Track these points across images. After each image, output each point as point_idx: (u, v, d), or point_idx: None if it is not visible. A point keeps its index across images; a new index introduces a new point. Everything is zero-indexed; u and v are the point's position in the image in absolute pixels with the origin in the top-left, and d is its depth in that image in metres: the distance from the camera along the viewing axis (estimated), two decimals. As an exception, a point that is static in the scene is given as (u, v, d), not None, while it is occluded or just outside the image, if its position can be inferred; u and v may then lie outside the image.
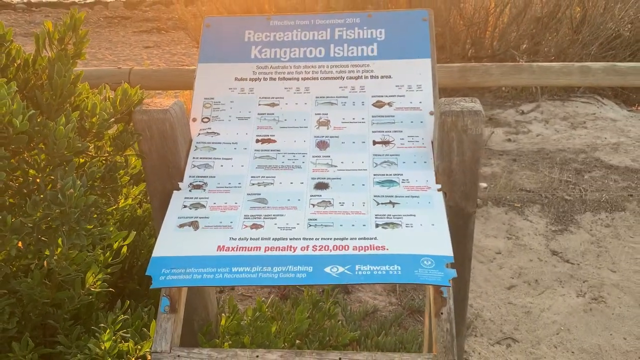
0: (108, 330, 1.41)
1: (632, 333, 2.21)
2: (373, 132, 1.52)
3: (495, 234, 2.81)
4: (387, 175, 1.43)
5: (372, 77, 1.62)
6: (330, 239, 1.30)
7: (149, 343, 1.46)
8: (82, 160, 1.40)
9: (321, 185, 1.42)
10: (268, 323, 1.69)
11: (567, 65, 2.66)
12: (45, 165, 1.24)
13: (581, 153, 3.58)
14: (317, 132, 1.53)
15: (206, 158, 1.49)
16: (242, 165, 1.47)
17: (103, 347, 1.37)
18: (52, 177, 1.28)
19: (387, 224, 1.32)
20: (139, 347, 1.43)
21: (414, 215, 1.34)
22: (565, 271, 2.56)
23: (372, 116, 1.55)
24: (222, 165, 1.47)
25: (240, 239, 1.31)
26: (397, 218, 1.33)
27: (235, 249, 1.28)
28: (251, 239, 1.31)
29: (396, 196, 1.38)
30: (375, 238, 1.29)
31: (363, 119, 1.55)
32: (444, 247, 1.26)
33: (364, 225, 1.32)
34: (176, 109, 1.42)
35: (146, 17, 13.95)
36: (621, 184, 3.21)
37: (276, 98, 1.59)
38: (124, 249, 1.67)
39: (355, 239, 1.29)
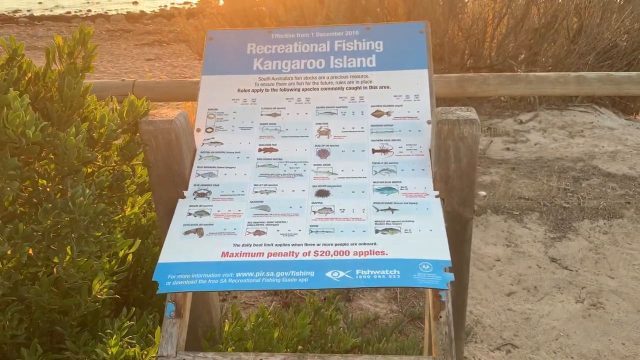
0: (115, 336, 1.44)
1: (630, 338, 2.24)
2: (372, 140, 1.56)
3: (495, 242, 2.85)
4: (386, 182, 1.47)
5: (371, 87, 1.66)
6: (331, 244, 1.33)
7: (154, 348, 1.49)
8: (89, 170, 1.44)
9: (322, 193, 1.46)
10: (271, 329, 1.73)
11: (563, 75, 2.71)
12: (55, 174, 1.28)
13: (579, 161, 3.62)
14: (318, 141, 1.57)
15: (210, 167, 1.53)
16: (245, 174, 1.51)
17: (110, 352, 1.40)
18: (61, 187, 1.32)
19: (386, 229, 1.36)
20: (145, 352, 1.47)
21: (413, 221, 1.38)
22: (564, 278, 2.59)
23: (371, 125, 1.59)
24: (225, 174, 1.51)
25: (243, 245, 1.34)
26: (396, 224, 1.37)
27: (239, 255, 1.32)
28: (254, 245, 1.35)
29: (395, 203, 1.42)
30: (375, 243, 1.33)
31: (362, 128, 1.59)
32: (442, 252, 1.30)
33: (364, 231, 1.36)
34: (181, 120, 1.46)
35: (147, 30, 14.09)
36: (619, 192, 3.24)
37: (278, 108, 1.64)
38: (129, 257, 1.70)
39: (355, 244, 1.33)
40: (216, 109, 1.64)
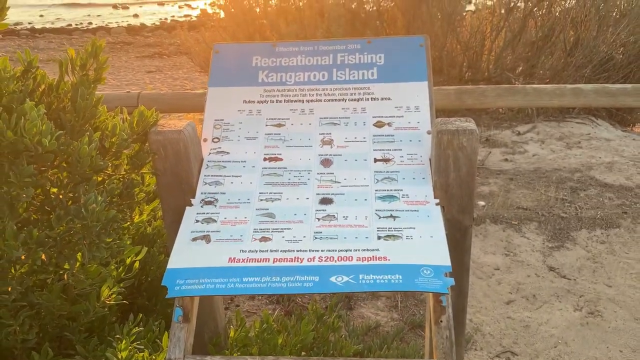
0: (124, 341, 1.48)
1: (628, 346, 2.27)
2: (374, 150, 1.61)
3: (494, 251, 2.88)
4: (387, 190, 1.52)
5: (372, 99, 1.71)
6: (335, 250, 1.37)
7: (163, 354, 1.53)
8: (100, 178, 1.48)
9: (326, 201, 1.51)
10: (275, 335, 1.76)
11: (560, 87, 2.76)
12: (67, 182, 1.32)
13: (576, 172, 3.66)
14: (322, 150, 1.62)
15: (217, 176, 1.57)
16: (251, 182, 1.56)
17: (120, 357, 1.44)
18: (73, 194, 1.36)
19: (388, 236, 1.40)
20: (153, 357, 1.50)
21: (414, 228, 1.42)
22: (562, 286, 2.63)
23: (373, 135, 1.64)
24: (232, 183, 1.56)
25: (250, 251, 1.38)
26: (398, 230, 1.41)
27: (245, 261, 1.36)
28: (260, 251, 1.39)
29: (397, 210, 1.47)
30: (378, 249, 1.37)
31: (364, 138, 1.64)
32: (442, 258, 1.34)
33: (366, 238, 1.40)
34: (189, 130, 1.51)
35: (148, 42, 14.20)
36: (616, 202, 3.29)
37: (282, 119, 1.68)
38: (136, 264, 1.74)
39: (358, 250, 1.37)
40: (222, 120, 1.69)
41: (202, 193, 1.54)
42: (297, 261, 1.36)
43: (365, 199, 1.50)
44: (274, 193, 1.53)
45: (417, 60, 1.76)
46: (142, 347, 1.56)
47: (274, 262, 1.36)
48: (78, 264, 1.45)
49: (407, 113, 1.68)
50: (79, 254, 1.38)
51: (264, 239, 1.42)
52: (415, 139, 1.63)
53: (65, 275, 1.50)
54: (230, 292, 1.30)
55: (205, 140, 1.65)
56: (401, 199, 1.49)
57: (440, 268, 1.32)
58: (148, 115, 1.45)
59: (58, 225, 1.24)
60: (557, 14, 4.99)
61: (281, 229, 1.44)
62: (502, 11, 4.99)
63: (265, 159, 1.61)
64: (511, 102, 2.76)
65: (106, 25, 17.43)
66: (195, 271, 1.35)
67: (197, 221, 1.48)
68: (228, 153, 1.62)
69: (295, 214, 1.48)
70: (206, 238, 1.43)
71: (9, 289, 1.30)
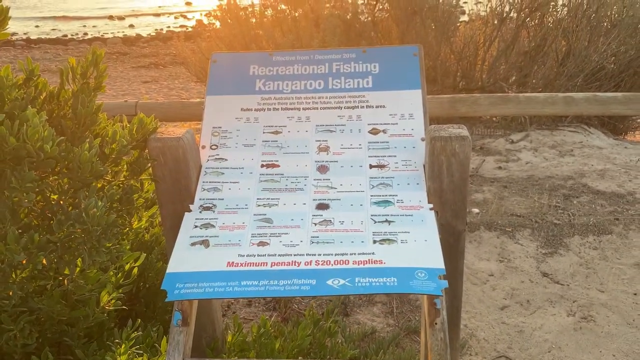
0: (124, 345, 1.50)
1: (620, 350, 2.30)
2: (369, 156, 1.64)
3: (488, 257, 2.91)
4: (383, 196, 1.55)
5: (367, 106, 1.75)
6: (332, 254, 1.40)
7: (162, 358, 1.55)
8: (99, 185, 1.50)
9: (322, 206, 1.54)
10: (272, 340, 1.78)
11: (552, 95, 2.81)
12: (67, 188, 1.35)
13: (569, 179, 3.71)
14: (318, 157, 1.65)
15: (215, 182, 1.60)
16: (249, 188, 1.58)
17: (119, 360, 1.46)
18: (72, 200, 1.39)
19: (383, 240, 1.43)
20: (151, 360, 1.52)
21: (408, 232, 1.45)
22: (555, 292, 2.66)
23: (368, 142, 1.67)
24: (230, 189, 1.58)
25: (248, 255, 1.41)
26: (393, 235, 1.44)
27: (243, 265, 1.39)
28: (258, 255, 1.41)
29: (392, 215, 1.50)
30: (373, 253, 1.40)
31: (360, 145, 1.67)
32: (436, 261, 1.37)
33: (362, 242, 1.43)
34: (188, 137, 1.54)
35: (144, 52, 14.23)
36: (608, 209, 3.33)
37: (279, 126, 1.72)
38: (135, 270, 1.76)
39: (354, 254, 1.40)
40: (220, 127, 1.72)
41: (200, 199, 1.57)
42: (295, 265, 1.38)
43: (361, 204, 1.53)
44: (272, 199, 1.56)
45: (411, 69, 1.79)
46: (141, 351, 1.58)
47: (271, 266, 1.38)
48: (78, 269, 1.47)
49: (401, 120, 1.71)
50: (79, 259, 1.40)
51: (261, 244, 1.44)
52: (409, 146, 1.66)
53: (65, 281, 1.52)
54: (229, 295, 1.33)
55: (203, 147, 1.68)
56: (396, 204, 1.52)
57: (434, 271, 1.34)
58: (147, 123, 1.48)
59: (59, 229, 1.27)
60: (550, 24, 5.06)
61: (279, 233, 1.47)
62: (495, 21, 5.06)
63: (262, 166, 1.64)
64: (504, 110, 2.81)
65: (102, 35, 17.48)
66: (195, 275, 1.37)
67: (196, 226, 1.50)
68: (226, 160, 1.65)
69: (292, 219, 1.50)
70: (205, 243, 1.46)
71: (10, 293, 1.32)
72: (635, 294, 2.61)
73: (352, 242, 1.43)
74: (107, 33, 18.14)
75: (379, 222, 1.48)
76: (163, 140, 1.50)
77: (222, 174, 1.62)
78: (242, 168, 1.64)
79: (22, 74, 1.39)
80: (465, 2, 5.65)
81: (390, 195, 1.55)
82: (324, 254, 1.40)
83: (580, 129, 4.60)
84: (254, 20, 5.29)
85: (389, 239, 1.43)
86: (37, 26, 19.89)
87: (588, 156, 4.06)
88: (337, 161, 1.64)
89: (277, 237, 1.46)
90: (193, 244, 1.46)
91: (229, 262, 1.40)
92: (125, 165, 1.50)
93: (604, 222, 3.17)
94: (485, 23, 5.22)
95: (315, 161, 1.65)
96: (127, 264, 1.73)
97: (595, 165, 3.89)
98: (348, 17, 5.23)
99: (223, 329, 1.92)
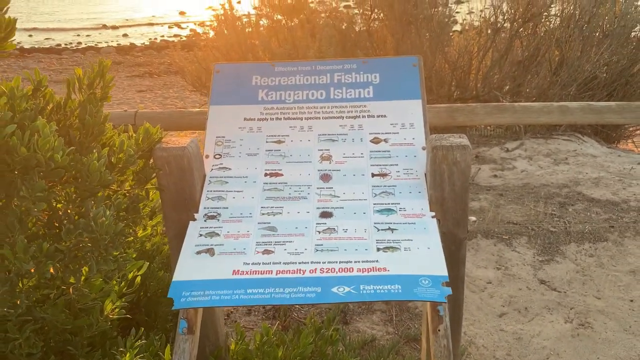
0: (128, 354, 1.51)
1: (618, 356, 2.32)
2: (371, 165, 1.67)
3: (486, 265, 2.94)
4: (385, 204, 1.57)
5: (368, 116, 1.77)
6: (336, 262, 1.42)
7: (165, 365, 1.55)
8: (106, 194, 1.52)
9: (326, 214, 1.56)
10: (275, 348, 1.79)
11: (547, 104, 2.85)
12: (75, 197, 1.36)
13: (564, 187, 3.75)
14: (321, 166, 1.67)
15: (219, 191, 1.62)
16: (253, 197, 1.60)
17: (124, 368, 1.46)
18: (79, 209, 1.40)
19: (387, 248, 1.45)
20: (156, 368, 1.53)
21: (411, 240, 1.47)
22: (553, 299, 2.68)
23: (370, 151, 1.70)
24: (234, 197, 1.60)
25: (253, 263, 1.43)
26: (396, 242, 1.46)
27: (249, 273, 1.40)
28: (263, 263, 1.43)
29: (394, 223, 1.52)
30: (377, 261, 1.42)
31: (362, 153, 1.69)
32: (440, 268, 1.39)
33: (366, 250, 1.45)
34: (193, 147, 1.56)
35: (138, 62, 14.23)
36: (603, 216, 3.37)
37: (282, 136, 1.74)
38: (138, 279, 1.77)
39: (358, 262, 1.42)
40: (224, 137, 1.74)
41: (205, 208, 1.58)
42: (299, 273, 1.40)
43: (364, 213, 1.55)
44: (275, 207, 1.58)
45: (410, 79, 1.82)
46: (145, 360, 1.59)
47: (276, 274, 1.40)
48: (83, 277, 1.48)
49: (402, 130, 1.74)
50: (85, 268, 1.41)
51: (266, 252, 1.46)
52: (410, 155, 1.68)
53: (71, 289, 1.53)
54: (235, 303, 1.34)
55: (207, 156, 1.70)
56: (398, 212, 1.55)
57: (438, 278, 1.36)
58: (153, 133, 1.50)
59: (68, 238, 1.28)
60: (542, 34, 5.12)
61: (283, 241, 1.49)
62: (489, 31, 5.12)
63: (266, 175, 1.66)
64: (500, 119, 2.85)
65: (96, 45, 17.46)
66: (201, 283, 1.38)
67: (201, 235, 1.52)
68: (230, 169, 1.67)
69: (296, 227, 1.52)
70: (210, 251, 1.47)
71: (18, 302, 1.33)
72: (631, 301, 2.64)
73: (356, 249, 1.45)
74: (101, 42, 18.13)
75: (382, 230, 1.50)
76: (168, 150, 1.52)
77: (226, 182, 1.64)
78: (246, 177, 1.65)
79: (30, 85, 1.40)
80: (457, 12, 5.72)
81: (393, 204, 1.57)
82: (329, 262, 1.42)
83: (574, 138, 4.65)
84: (249, 29, 5.32)
85: (392, 247, 1.45)
86: (30, 35, 19.86)
87: (582, 164, 4.11)
88: (339, 170, 1.67)
89: (281, 245, 1.48)
90: (198, 253, 1.47)
91: (234, 270, 1.41)
92: (130, 175, 1.52)
93: (599, 230, 3.20)
94: (479, 33, 5.28)
95: (318, 170, 1.67)
96: (130, 272, 1.74)
97: (590, 174, 3.93)
98: (343, 27, 5.28)
99: (225, 337, 1.93)
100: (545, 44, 5.01)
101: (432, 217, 1.54)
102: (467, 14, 5.96)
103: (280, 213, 1.56)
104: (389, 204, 1.57)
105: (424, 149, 1.70)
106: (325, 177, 1.65)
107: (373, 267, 1.40)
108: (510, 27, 5.08)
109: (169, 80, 11.68)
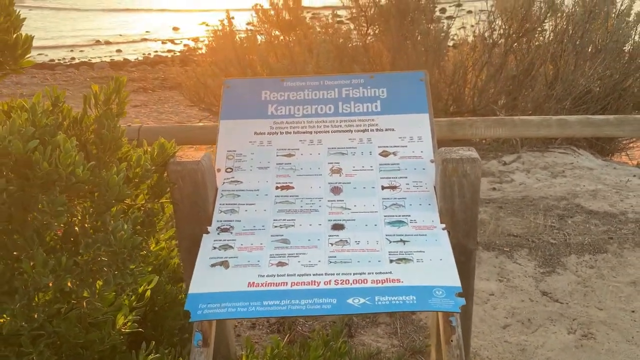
0: (142, 366, 1.51)
1: (622, 367, 2.34)
2: (381, 178, 1.69)
3: (488, 277, 2.96)
4: (396, 216, 1.59)
5: (377, 130, 1.80)
6: (350, 273, 1.44)
7: (178, 379, 1.56)
8: (120, 208, 1.53)
9: (337, 226, 1.58)
10: (285, 360, 1.80)
11: (546, 118, 2.90)
12: (93, 211, 1.37)
13: (562, 200, 3.79)
14: (331, 179, 1.70)
15: (232, 204, 1.64)
16: (265, 210, 1.62)
17: (139, 382, 1.47)
18: (97, 223, 1.41)
19: (400, 259, 1.47)
20: (170, 381, 1.53)
21: (423, 252, 1.49)
22: (555, 310, 2.70)
23: (380, 164, 1.73)
24: (246, 210, 1.62)
25: (268, 275, 1.44)
26: (409, 254, 1.49)
27: (264, 285, 1.42)
28: (278, 275, 1.44)
29: (406, 235, 1.54)
30: (391, 272, 1.44)
31: (371, 166, 1.72)
32: (453, 279, 1.41)
33: (379, 261, 1.47)
34: (206, 160, 1.58)
35: (132, 77, 14.24)
36: (602, 228, 3.40)
37: (292, 149, 1.76)
38: (148, 293, 1.78)
39: (372, 273, 1.44)
40: (235, 151, 1.76)
41: (218, 221, 1.60)
42: (314, 284, 1.41)
43: (375, 225, 1.58)
44: (288, 220, 1.60)
45: (417, 93, 1.86)
46: (157, 373, 1.59)
47: (291, 286, 1.41)
48: (98, 291, 1.49)
49: (410, 143, 1.77)
50: (99, 282, 1.42)
51: (280, 264, 1.48)
52: (419, 167, 1.71)
53: (84, 303, 1.54)
54: (252, 315, 1.36)
55: (218, 170, 1.72)
56: (409, 224, 1.57)
57: (452, 289, 1.39)
58: (168, 147, 1.52)
59: (86, 252, 1.29)
60: (536, 49, 5.20)
61: (296, 254, 1.50)
62: (484, 47, 5.19)
63: (277, 187, 1.68)
64: (500, 132, 2.89)
65: (89, 60, 17.46)
66: (217, 296, 1.40)
67: (215, 248, 1.53)
68: (241, 182, 1.69)
69: (309, 240, 1.54)
70: (225, 264, 1.49)
71: (35, 315, 1.34)
72: (633, 312, 2.67)
73: (369, 261, 1.47)
74: (95, 58, 18.12)
75: (394, 241, 1.53)
76: (183, 164, 1.54)
77: (238, 196, 1.66)
78: (258, 190, 1.67)
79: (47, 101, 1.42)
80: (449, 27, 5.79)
81: (404, 216, 1.59)
82: (343, 274, 1.44)
83: (570, 151, 4.71)
84: (246, 45, 5.37)
85: (405, 258, 1.47)
86: (24, 51, 19.80)
87: (579, 177, 4.16)
88: (349, 182, 1.69)
89: (295, 258, 1.49)
90: (213, 265, 1.48)
91: (249, 283, 1.43)
92: (145, 189, 1.53)
93: (598, 241, 3.24)
94: (473, 48, 5.36)
95: (329, 183, 1.69)
96: (140, 286, 1.75)
97: (587, 186, 3.98)
98: (340, 41, 5.34)
99: (236, 350, 1.93)
100: (540, 59, 5.09)
101: (443, 228, 1.56)
102: (459, 29, 6.04)
103: (292, 225, 1.58)
104: (399, 216, 1.59)
105: (432, 161, 1.72)
106: (336, 190, 1.67)
107: (387, 279, 1.42)
108: (505, 42, 5.16)
109: (164, 95, 11.69)
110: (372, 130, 1.80)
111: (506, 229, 3.41)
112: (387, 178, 1.69)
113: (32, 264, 1.27)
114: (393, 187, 1.67)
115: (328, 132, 1.80)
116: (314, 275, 1.44)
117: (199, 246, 1.55)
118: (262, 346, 2.53)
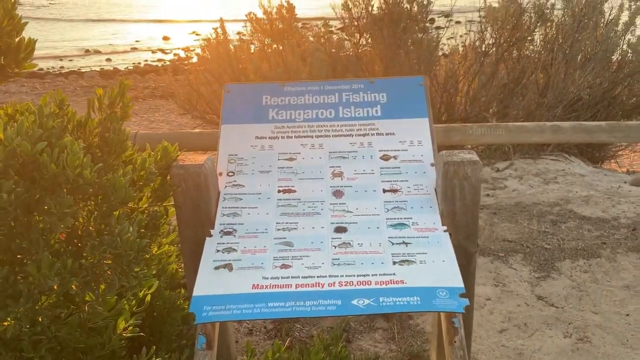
0: (145, 370, 1.50)
1: (618, 370, 2.36)
2: (382, 181, 1.71)
3: (484, 282, 2.98)
4: (398, 219, 1.61)
5: (377, 134, 1.82)
6: (354, 275, 1.45)
7: (181, 382, 1.55)
8: (123, 211, 1.53)
9: (340, 229, 1.59)
10: (286, 364, 1.80)
11: (540, 124, 2.94)
12: (98, 213, 1.37)
13: (555, 206, 3.83)
14: (333, 182, 1.71)
15: (234, 207, 1.64)
16: (267, 213, 1.63)
17: (142, 386, 1.46)
18: (100, 225, 1.41)
19: (403, 261, 1.48)
20: (173, 385, 1.53)
21: (426, 253, 1.51)
22: (551, 314, 2.72)
23: (380, 168, 1.74)
24: (249, 214, 1.63)
25: (272, 277, 1.45)
26: (411, 256, 1.50)
27: (268, 287, 1.42)
28: (282, 277, 1.45)
29: (408, 237, 1.55)
30: (394, 274, 1.45)
31: (372, 170, 1.74)
32: (456, 280, 1.43)
33: (382, 263, 1.48)
34: (209, 164, 1.59)
35: (122, 86, 14.16)
36: (595, 233, 3.44)
37: (293, 153, 1.78)
38: (148, 297, 1.78)
39: (376, 275, 1.45)
40: (236, 155, 1.77)
41: (220, 224, 1.60)
42: (318, 286, 1.42)
43: (378, 227, 1.59)
44: (290, 223, 1.61)
45: (417, 98, 1.88)
46: (159, 378, 1.59)
47: (296, 288, 1.42)
48: (100, 293, 1.49)
49: (410, 147, 1.79)
50: (102, 285, 1.42)
51: (284, 266, 1.48)
52: (420, 171, 1.73)
53: (86, 307, 1.53)
54: (257, 316, 1.36)
55: (220, 174, 1.73)
56: (411, 227, 1.58)
57: (455, 290, 1.40)
58: (171, 151, 1.52)
59: (92, 254, 1.29)
60: (527, 58, 5.27)
61: (300, 256, 1.51)
62: (475, 55, 5.25)
63: (279, 191, 1.69)
64: (495, 138, 2.92)
65: (79, 69, 17.39)
66: (221, 298, 1.40)
67: (218, 251, 1.54)
68: (243, 186, 1.70)
69: (312, 242, 1.55)
70: (228, 266, 1.49)
71: (40, 319, 1.33)
72: (627, 315, 2.70)
73: (373, 263, 1.48)
74: (84, 67, 18.05)
75: (396, 244, 1.54)
76: (185, 168, 1.55)
77: (240, 199, 1.67)
78: (260, 194, 1.68)
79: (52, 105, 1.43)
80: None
81: (405, 218, 1.61)
82: (346, 275, 1.45)
83: (562, 158, 4.76)
84: (239, 53, 5.38)
85: (408, 260, 1.49)
86: (13, 60, 19.69)
87: (571, 183, 4.20)
88: (351, 186, 1.70)
89: (298, 260, 1.50)
90: (217, 268, 1.49)
91: (254, 285, 1.43)
92: (148, 192, 1.54)
93: (592, 247, 3.27)
94: (465, 57, 5.41)
95: (330, 186, 1.70)
96: (140, 291, 1.75)
97: (579, 192, 4.02)
98: (333, 50, 5.37)
99: (236, 354, 1.93)
100: (531, 67, 5.15)
101: (445, 230, 1.58)
102: (448, 39, 6.11)
103: (295, 228, 1.59)
104: (401, 218, 1.61)
105: (432, 165, 1.74)
106: (338, 193, 1.68)
107: (390, 280, 1.43)
108: (496, 51, 5.22)
109: (154, 104, 11.65)
110: (372, 134, 1.82)
111: (501, 235, 3.43)
112: (388, 181, 1.71)
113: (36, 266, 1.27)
114: (394, 191, 1.69)
115: (329, 136, 1.82)
116: (318, 277, 1.45)
117: (201, 249, 1.55)
118: (260, 352, 2.52)
